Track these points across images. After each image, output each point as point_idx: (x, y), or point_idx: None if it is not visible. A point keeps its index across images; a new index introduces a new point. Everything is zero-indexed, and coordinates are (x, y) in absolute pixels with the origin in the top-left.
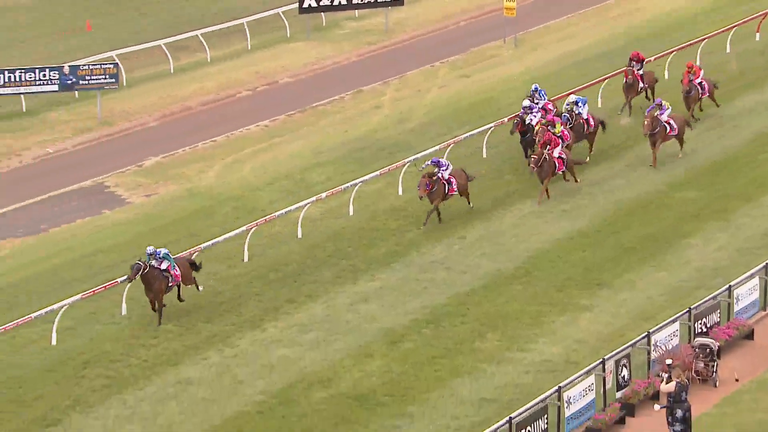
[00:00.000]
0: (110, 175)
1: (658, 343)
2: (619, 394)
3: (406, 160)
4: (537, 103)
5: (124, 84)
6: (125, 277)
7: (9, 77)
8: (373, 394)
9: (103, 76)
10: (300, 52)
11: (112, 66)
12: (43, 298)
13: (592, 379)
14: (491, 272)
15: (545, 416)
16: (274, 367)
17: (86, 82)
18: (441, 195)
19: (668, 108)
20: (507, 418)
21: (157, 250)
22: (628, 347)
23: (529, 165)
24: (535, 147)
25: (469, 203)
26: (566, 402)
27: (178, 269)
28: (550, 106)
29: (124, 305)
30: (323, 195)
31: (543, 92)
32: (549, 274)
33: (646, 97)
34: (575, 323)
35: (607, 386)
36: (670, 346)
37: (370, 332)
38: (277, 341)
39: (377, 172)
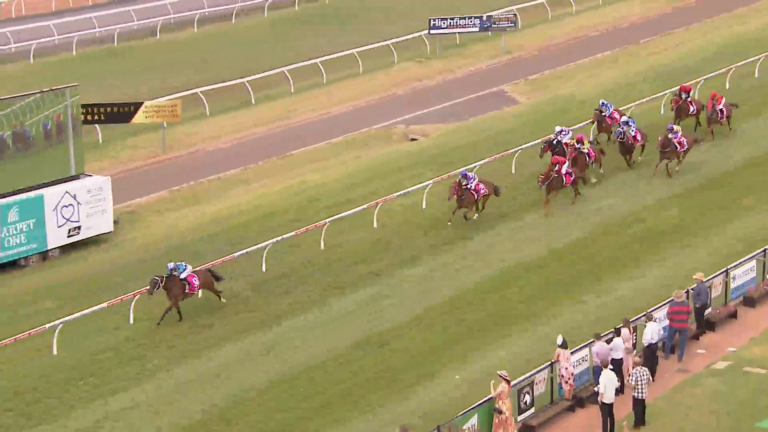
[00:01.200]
0: (508, 85)
1: None
2: None
3: (700, 79)
4: (604, 115)
5: (519, 27)
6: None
7: (449, 22)
8: (631, 245)
9: (507, 22)
10: (632, 6)
11: (513, 15)
12: (462, 162)
13: None
14: (716, 171)
15: None
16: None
17: (496, 25)
18: (471, 202)
19: (679, 131)
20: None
21: (177, 264)
22: None
23: (539, 181)
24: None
25: (482, 208)
26: None
27: (197, 279)
28: (616, 115)
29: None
30: (644, 99)
31: (610, 105)
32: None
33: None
34: None
35: None
36: None
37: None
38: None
39: (677, 87)
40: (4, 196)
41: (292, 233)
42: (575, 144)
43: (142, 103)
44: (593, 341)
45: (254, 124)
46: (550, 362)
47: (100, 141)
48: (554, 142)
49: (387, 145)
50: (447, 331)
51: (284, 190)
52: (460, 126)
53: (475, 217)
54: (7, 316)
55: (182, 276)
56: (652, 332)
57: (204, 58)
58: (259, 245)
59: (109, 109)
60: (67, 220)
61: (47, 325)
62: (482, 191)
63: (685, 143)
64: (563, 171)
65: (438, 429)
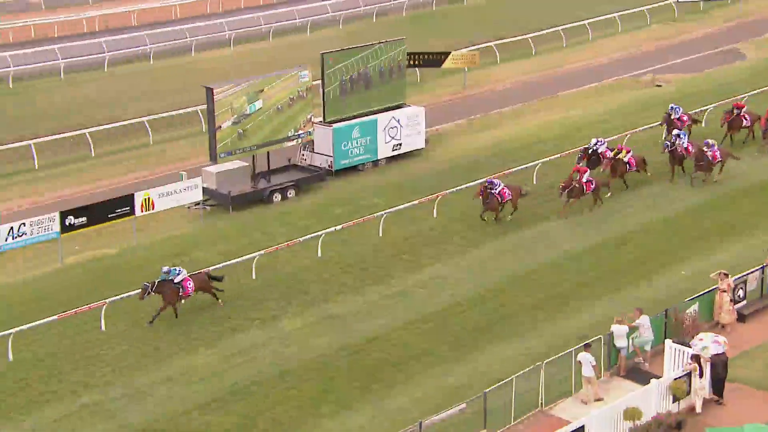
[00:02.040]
0: (738, 44)
1: None
2: None
3: None
4: (673, 118)
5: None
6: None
7: None
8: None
9: None
10: None
11: None
12: (695, 105)
13: None
14: None
15: None
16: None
17: None
18: (495, 206)
19: (714, 145)
20: None
21: (171, 268)
22: None
23: (560, 188)
24: (602, 170)
25: (512, 212)
26: None
27: (192, 283)
28: (684, 117)
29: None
30: None
31: (679, 108)
32: None
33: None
34: None
35: None
36: None
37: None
38: None
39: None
40: (350, 119)
41: (557, 155)
42: (615, 154)
43: (450, 52)
44: None
45: (533, 70)
46: (762, 266)
47: (418, 80)
48: (590, 151)
49: (636, 89)
50: (676, 238)
51: (553, 122)
52: (696, 76)
53: (509, 218)
54: (350, 207)
55: (176, 280)
56: None
57: (497, 19)
58: (530, 164)
59: (425, 57)
60: (392, 138)
61: (376, 214)
62: (507, 196)
63: (719, 156)
64: (584, 180)
65: (666, 312)
